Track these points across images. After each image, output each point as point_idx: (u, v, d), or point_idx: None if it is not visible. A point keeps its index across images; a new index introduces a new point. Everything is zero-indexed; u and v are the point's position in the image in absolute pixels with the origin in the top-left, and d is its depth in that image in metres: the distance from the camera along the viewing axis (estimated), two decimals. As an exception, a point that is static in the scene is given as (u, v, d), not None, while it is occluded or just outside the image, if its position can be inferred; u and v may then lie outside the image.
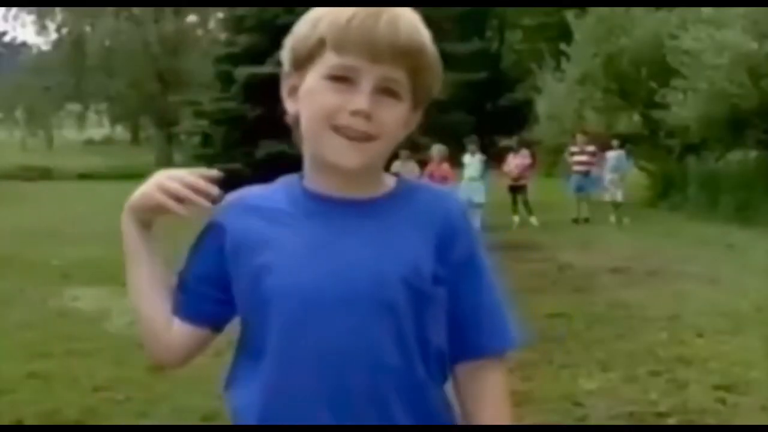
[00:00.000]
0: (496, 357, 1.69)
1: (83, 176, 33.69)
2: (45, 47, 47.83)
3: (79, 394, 5.71)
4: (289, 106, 1.58)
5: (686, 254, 12.28)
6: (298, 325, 1.50)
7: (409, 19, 1.53)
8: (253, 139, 20.78)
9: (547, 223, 16.66)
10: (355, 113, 1.47)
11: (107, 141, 52.63)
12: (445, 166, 16.23)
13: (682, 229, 15.50)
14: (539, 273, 10.88)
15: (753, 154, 19.24)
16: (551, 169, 23.58)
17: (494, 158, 19.39)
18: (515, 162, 17.66)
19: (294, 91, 1.56)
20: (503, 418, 1.66)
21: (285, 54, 1.58)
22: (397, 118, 1.52)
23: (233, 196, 1.64)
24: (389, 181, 1.63)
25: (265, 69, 20.53)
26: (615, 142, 18.04)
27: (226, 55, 23.69)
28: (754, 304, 8.65)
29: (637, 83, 21.40)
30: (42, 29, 45.79)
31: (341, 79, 1.48)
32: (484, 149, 17.65)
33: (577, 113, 23.10)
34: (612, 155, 17.80)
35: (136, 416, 5.26)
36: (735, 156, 19.51)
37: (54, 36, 45.30)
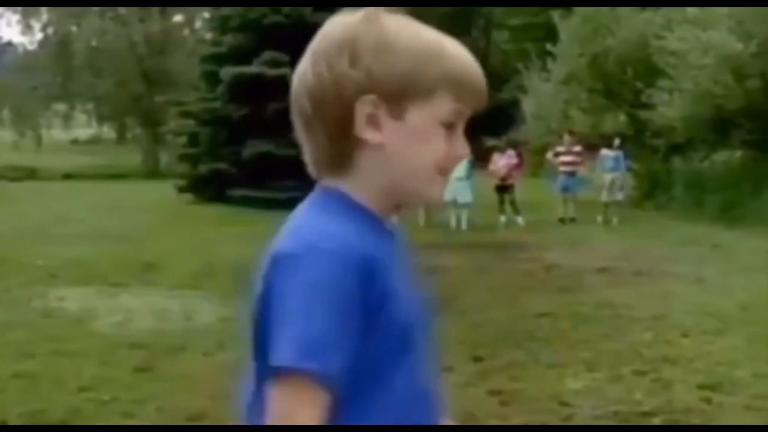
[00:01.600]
0: None
1: (69, 176, 33.58)
2: (30, 47, 47.62)
3: (64, 394, 5.69)
4: (368, 134, 1.46)
5: (672, 254, 12.33)
6: (419, 357, 1.52)
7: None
8: (239, 138, 20.74)
9: (534, 223, 16.69)
10: (460, 158, 1.54)
11: (93, 141, 52.47)
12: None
13: (667, 229, 15.55)
14: (526, 273, 10.90)
15: (738, 154, 19.33)
16: (538, 169, 23.61)
17: (481, 158, 19.41)
18: (502, 162, 17.66)
19: (374, 120, 1.45)
20: None
21: (363, 77, 1.44)
22: None
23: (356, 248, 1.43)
24: None
25: (251, 69, 20.50)
26: (616, 141, 17.99)
27: (212, 54, 23.61)
28: (740, 303, 8.69)
29: (623, 83, 21.47)
30: (27, 29, 45.63)
31: (450, 125, 1.50)
32: (470, 149, 17.65)
33: (564, 113, 23.17)
34: (610, 155, 17.76)
35: (122, 416, 5.25)
36: (720, 156, 19.58)
37: (39, 35, 45.16)
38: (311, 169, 1.55)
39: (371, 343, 1.42)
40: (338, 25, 1.48)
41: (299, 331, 1.36)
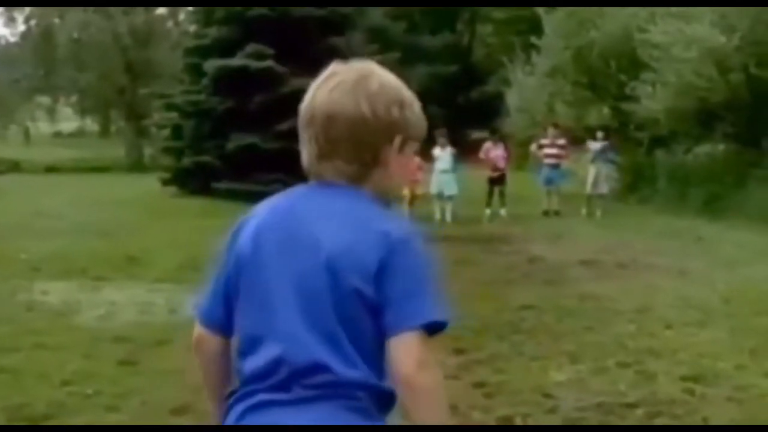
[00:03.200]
0: None
1: (52, 169, 33.40)
2: (13, 39, 47.26)
3: (47, 388, 5.67)
4: (390, 161, 2.02)
5: (655, 247, 12.38)
6: None
7: None
8: (223, 131, 20.65)
9: (518, 215, 16.72)
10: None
11: (77, 134, 52.18)
12: (417, 159, 16.26)
13: (651, 221, 15.61)
14: (510, 265, 10.93)
15: (721, 147, 19.41)
16: (522, 162, 23.66)
17: (466, 151, 19.42)
18: (495, 153, 17.64)
19: (395, 152, 2.03)
20: None
21: (403, 122, 2.02)
22: None
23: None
24: None
25: (235, 61, 20.42)
26: (600, 134, 18.01)
27: (196, 47, 23.48)
28: (723, 296, 8.74)
29: (607, 76, 21.53)
30: (10, 21, 45.31)
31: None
32: (454, 142, 17.67)
33: (548, 106, 23.22)
34: (597, 147, 17.76)
35: (106, 410, 5.24)
36: (703, 149, 19.66)
37: (22, 27, 44.85)
38: (319, 169, 1.99)
39: None
40: (391, 78, 2.03)
41: (435, 294, 1.93)
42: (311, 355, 1.84)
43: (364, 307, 1.85)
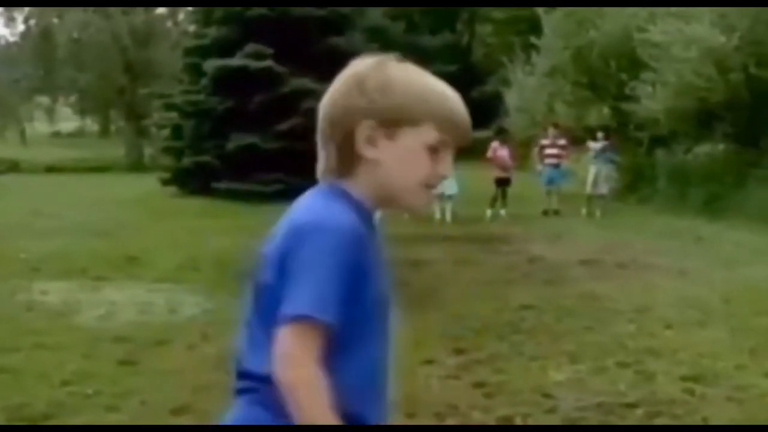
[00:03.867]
0: None
1: (52, 169, 33.39)
2: (13, 38, 47.23)
3: (47, 388, 5.66)
4: (369, 152, 1.87)
5: (655, 247, 12.38)
6: (384, 333, 1.92)
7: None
8: (223, 131, 20.66)
9: (518, 215, 16.72)
10: (442, 178, 1.92)
11: (76, 134, 52.16)
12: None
13: (651, 221, 15.61)
14: (510, 265, 10.92)
15: (721, 147, 19.40)
16: (522, 162, 23.68)
17: (465, 151, 19.39)
18: (502, 153, 17.64)
19: (372, 141, 1.86)
20: None
21: (363, 101, 1.85)
22: None
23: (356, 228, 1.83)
24: None
25: (235, 61, 20.44)
26: (600, 134, 18.01)
27: (196, 47, 23.50)
28: (722, 296, 8.74)
29: (607, 76, 21.53)
30: (9, 21, 45.30)
31: (434, 150, 1.88)
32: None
33: (548, 106, 23.22)
34: (597, 147, 17.75)
35: (105, 410, 5.23)
36: (703, 149, 19.65)
37: (21, 27, 44.83)
38: (320, 175, 1.92)
39: (355, 307, 1.78)
40: (355, 66, 1.89)
41: (314, 287, 1.73)
42: (238, 351, 1.89)
43: (274, 301, 1.76)
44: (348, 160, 1.87)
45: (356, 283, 1.77)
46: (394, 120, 1.84)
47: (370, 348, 1.86)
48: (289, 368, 1.71)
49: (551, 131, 18.29)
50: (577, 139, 19.52)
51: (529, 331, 7.32)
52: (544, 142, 18.14)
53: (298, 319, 1.71)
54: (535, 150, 18.58)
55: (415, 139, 1.85)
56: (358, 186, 1.88)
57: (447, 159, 1.91)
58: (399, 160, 1.86)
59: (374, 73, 1.86)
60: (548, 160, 17.82)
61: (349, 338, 1.79)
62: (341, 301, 1.74)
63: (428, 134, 1.86)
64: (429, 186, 1.90)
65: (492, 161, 17.67)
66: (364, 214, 1.87)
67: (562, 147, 17.93)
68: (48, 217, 16.22)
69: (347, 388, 1.78)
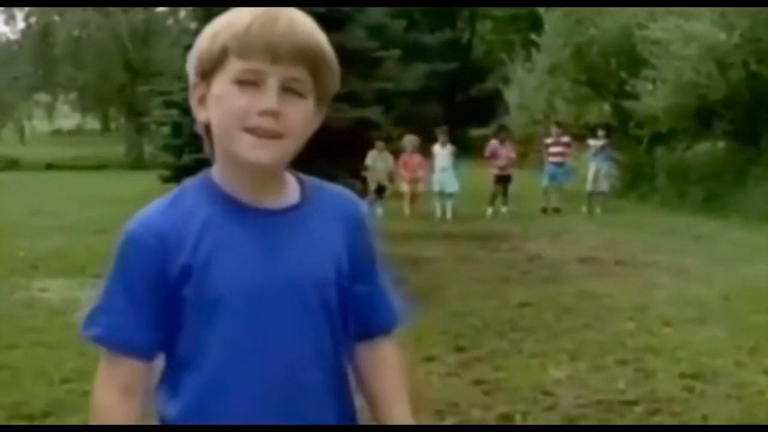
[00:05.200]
0: (390, 333, 1.86)
1: (51, 167, 33.36)
2: (13, 36, 47.18)
3: (46, 385, 5.66)
4: (200, 114, 1.66)
5: (654, 244, 12.38)
6: (246, 329, 1.61)
7: (305, 20, 1.62)
8: (223, 129, 20.70)
9: (518, 213, 16.72)
10: (263, 113, 1.56)
11: (76, 131, 52.15)
12: (417, 156, 16.30)
13: (650, 219, 15.61)
14: (509, 263, 10.92)
15: (721, 144, 19.39)
16: (522, 160, 23.68)
17: (466, 148, 19.42)
18: (502, 151, 17.63)
19: (202, 100, 1.64)
20: (399, 382, 1.84)
21: (190, 65, 1.66)
22: (303, 115, 1.61)
23: (141, 228, 1.64)
24: (294, 185, 1.73)
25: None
26: (600, 132, 18.01)
27: (196, 44, 23.55)
28: (721, 293, 8.74)
29: (607, 73, 21.52)
30: (9, 19, 45.25)
31: (248, 83, 1.57)
32: (454, 140, 17.69)
33: (548, 103, 23.22)
34: (597, 145, 17.75)
35: (105, 408, 5.22)
36: (703, 146, 19.64)
37: (21, 25, 44.79)
38: None
39: (182, 316, 1.60)
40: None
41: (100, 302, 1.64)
42: None
43: None
44: (203, 134, 1.70)
45: (171, 288, 1.59)
46: (204, 69, 1.63)
47: (212, 358, 1.60)
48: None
49: (554, 130, 18.27)
50: (577, 137, 19.51)
51: (528, 328, 7.33)
52: (548, 140, 18.13)
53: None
54: (544, 153, 18.48)
55: (223, 78, 1.59)
56: (216, 162, 1.70)
57: (270, 89, 1.56)
58: (215, 110, 1.62)
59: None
60: (552, 159, 17.79)
61: (185, 351, 1.63)
62: (117, 307, 1.63)
63: (233, 67, 1.58)
64: (250, 127, 1.56)
65: (490, 160, 17.66)
66: (214, 200, 1.64)
67: (566, 145, 17.93)
68: (47, 214, 16.22)
69: (185, 413, 1.62)
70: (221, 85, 1.59)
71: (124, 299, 1.62)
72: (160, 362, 1.67)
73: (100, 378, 1.65)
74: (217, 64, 1.59)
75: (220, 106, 1.59)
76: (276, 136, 1.57)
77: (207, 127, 1.65)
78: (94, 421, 1.66)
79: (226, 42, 1.58)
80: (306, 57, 1.58)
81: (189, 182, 1.70)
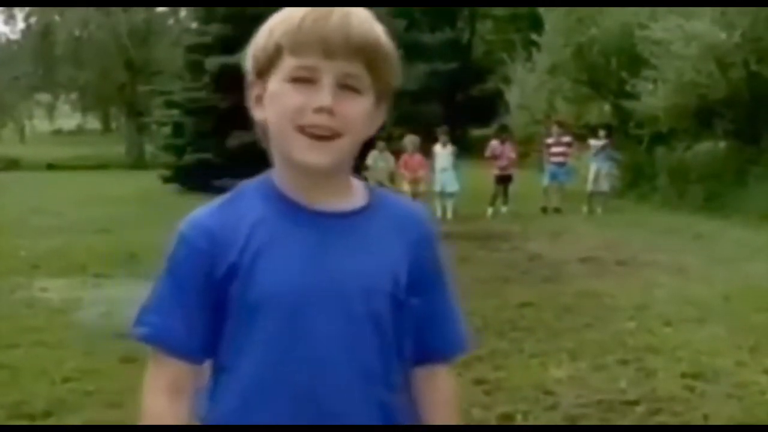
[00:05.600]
0: (450, 360, 1.79)
1: (52, 167, 33.36)
2: (13, 36, 47.19)
3: (47, 385, 5.67)
4: (257, 114, 1.62)
5: (655, 244, 12.37)
6: (288, 333, 1.55)
7: (361, 14, 1.56)
8: (224, 129, 20.63)
9: (518, 213, 16.72)
10: (318, 110, 1.50)
11: (77, 131, 52.15)
12: (418, 156, 16.30)
13: (650, 218, 15.60)
14: (510, 263, 10.92)
15: (721, 144, 19.38)
16: (522, 160, 23.68)
17: (466, 148, 19.41)
18: (503, 152, 17.63)
19: (259, 99, 1.60)
20: (454, 418, 1.77)
21: (247, 64, 1.62)
22: (360, 112, 1.55)
23: (192, 228, 1.63)
24: (360, 190, 1.67)
25: (237, 59, 20.21)
26: (601, 132, 18.01)
27: (197, 44, 23.49)
28: (722, 293, 8.73)
29: (608, 73, 21.49)
30: (9, 18, 45.26)
31: (302, 80, 1.52)
32: (454, 140, 17.69)
33: (548, 103, 23.20)
34: (598, 145, 17.76)
35: (107, 407, 5.23)
36: (703, 146, 19.63)
37: (22, 25, 44.80)
38: None
39: (227, 321, 1.57)
40: None
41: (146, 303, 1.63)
42: None
43: None
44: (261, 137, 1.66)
45: (217, 289, 1.57)
46: (260, 68, 1.60)
47: (248, 362, 1.57)
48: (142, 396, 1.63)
49: (555, 130, 18.26)
50: (578, 137, 19.49)
51: (529, 328, 7.33)
52: (549, 141, 18.13)
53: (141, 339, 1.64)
54: (545, 154, 18.46)
55: (278, 77, 1.56)
56: (275, 163, 1.64)
57: (324, 86, 1.52)
58: (270, 109, 1.59)
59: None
60: (554, 159, 17.78)
61: (226, 355, 1.60)
62: (170, 307, 1.61)
63: (286, 64, 1.54)
64: (304, 126, 1.52)
65: (490, 160, 17.66)
66: (268, 201, 1.61)
67: (567, 145, 17.91)
68: (48, 214, 16.23)
69: (224, 415, 1.59)
70: (276, 83, 1.55)
71: (172, 300, 1.60)
72: (208, 366, 1.65)
73: (147, 379, 1.62)
74: (272, 62, 1.56)
75: (274, 105, 1.56)
76: (331, 135, 1.52)
77: (265, 128, 1.61)
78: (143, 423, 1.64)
79: (280, 39, 1.54)
80: (361, 51, 1.53)
81: (247, 182, 1.66)
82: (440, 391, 1.75)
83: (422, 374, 1.71)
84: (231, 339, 1.58)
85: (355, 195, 1.64)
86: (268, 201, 1.60)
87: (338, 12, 1.52)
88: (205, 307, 1.57)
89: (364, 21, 1.55)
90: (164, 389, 1.59)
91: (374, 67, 1.55)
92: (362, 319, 1.56)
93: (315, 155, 1.53)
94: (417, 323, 1.65)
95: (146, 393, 1.62)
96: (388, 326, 1.59)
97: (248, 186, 1.65)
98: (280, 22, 1.55)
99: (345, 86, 1.53)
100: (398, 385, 1.64)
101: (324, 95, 1.50)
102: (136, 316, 1.64)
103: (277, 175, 1.62)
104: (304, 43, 1.51)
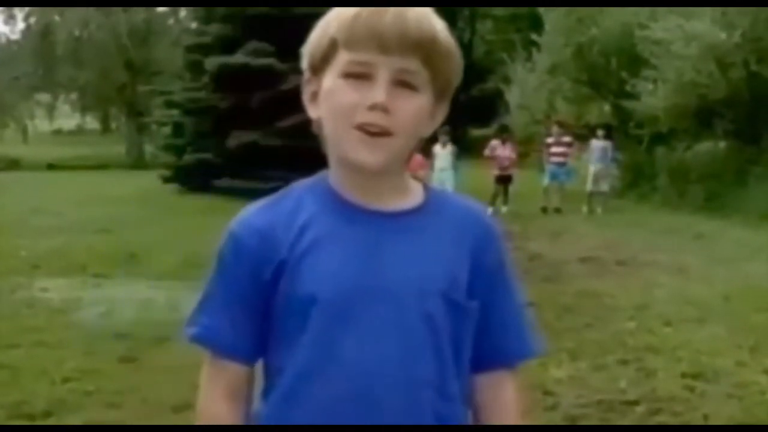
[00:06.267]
0: (514, 367, 1.72)
1: (52, 167, 33.35)
2: (13, 36, 47.17)
3: (47, 385, 5.67)
4: (312, 112, 1.57)
5: (655, 244, 12.38)
6: (336, 332, 1.50)
7: (419, 10, 1.52)
8: (224, 129, 20.64)
9: (518, 213, 16.71)
10: (372, 107, 1.46)
11: (77, 131, 52.11)
12: (418, 156, 16.28)
13: (650, 218, 15.60)
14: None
15: (721, 144, 19.39)
16: (522, 160, 23.68)
17: (466, 148, 19.40)
18: (504, 152, 17.63)
19: (315, 96, 1.56)
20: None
21: (303, 61, 1.58)
22: (416, 110, 1.51)
23: (240, 227, 1.59)
24: (417, 190, 1.62)
25: (236, 59, 20.42)
26: (601, 132, 18.01)
27: (197, 44, 23.47)
28: (722, 293, 8.74)
29: (608, 73, 21.49)
30: (9, 18, 45.24)
31: (357, 75, 1.48)
32: (454, 139, 17.68)
33: (548, 103, 23.20)
34: (598, 145, 17.78)
35: (106, 407, 5.24)
36: (703, 146, 19.64)
37: (21, 25, 44.78)
38: None
39: (277, 320, 1.54)
40: None
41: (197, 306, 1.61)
42: None
43: None
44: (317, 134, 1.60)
45: (267, 288, 1.53)
46: (315, 64, 1.55)
47: (296, 362, 1.52)
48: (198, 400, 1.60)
49: (555, 130, 18.27)
50: (578, 137, 19.50)
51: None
52: (549, 140, 18.13)
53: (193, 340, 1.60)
54: (545, 153, 18.47)
55: (332, 73, 1.52)
56: (331, 168, 1.59)
57: (379, 82, 1.47)
58: (325, 106, 1.53)
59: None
60: (554, 159, 17.79)
61: (277, 355, 1.56)
62: (219, 307, 1.58)
63: (341, 59, 1.50)
64: (359, 123, 1.47)
65: (490, 160, 17.66)
66: (323, 201, 1.56)
67: (567, 145, 17.93)
68: (48, 214, 16.23)
69: (269, 415, 1.56)
70: (331, 79, 1.50)
71: (221, 299, 1.57)
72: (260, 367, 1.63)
73: (204, 382, 1.58)
74: (326, 57, 1.51)
75: (328, 102, 1.51)
76: (386, 133, 1.47)
77: (320, 125, 1.56)
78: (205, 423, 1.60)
79: (335, 34, 1.49)
80: (418, 46, 1.48)
81: (298, 182, 1.62)
82: (504, 404, 1.69)
83: (484, 383, 1.66)
84: (281, 338, 1.54)
85: (411, 195, 1.60)
86: (321, 199, 1.56)
87: (395, 8, 1.49)
88: (254, 307, 1.55)
89: (422, 16, 1.52)
90: (220, 392, 1.56)
91: (432, 63, 1.51)
92: (415, 321, 1.51)
93: (366, 153, 1.48)
94: (479, 327, 1.60)
95: (204, 397, 1.58)
96: (443, 330, 1.53)
97: (299, 185, 1.61)
98: (336, 17, 1.51)
99: (401, 83, 1.48)
100: (456, 395, 1.57)
101: (378, 92, 1.46)
102: (188, 317, 1.61)
103: (331, 174, 1.58)
104: (359, 37, 1.47)
